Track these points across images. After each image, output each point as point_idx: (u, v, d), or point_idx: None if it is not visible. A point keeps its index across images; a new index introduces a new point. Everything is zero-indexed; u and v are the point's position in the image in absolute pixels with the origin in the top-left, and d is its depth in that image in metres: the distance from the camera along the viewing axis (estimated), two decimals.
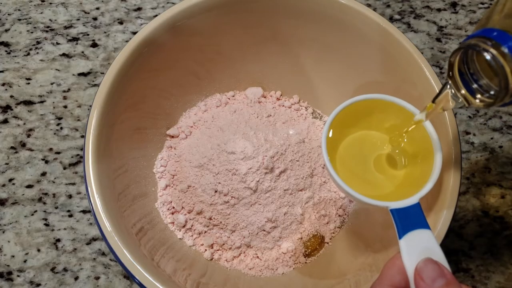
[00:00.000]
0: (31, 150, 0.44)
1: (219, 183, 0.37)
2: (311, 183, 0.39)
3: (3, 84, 0.47)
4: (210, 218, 0.38)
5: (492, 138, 0.46)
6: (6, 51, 0.48)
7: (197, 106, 0.43)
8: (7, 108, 0.45)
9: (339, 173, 0.30)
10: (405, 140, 0.32)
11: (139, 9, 0.51)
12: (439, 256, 0.25)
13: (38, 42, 0.49)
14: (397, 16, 0.51)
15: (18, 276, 0.39)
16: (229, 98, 0.44)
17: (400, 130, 0.32)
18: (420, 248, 0.26)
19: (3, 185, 0.42)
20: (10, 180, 0.43)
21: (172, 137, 0.42)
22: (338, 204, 0.40)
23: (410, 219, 0.27)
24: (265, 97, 0.44)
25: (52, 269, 0.40)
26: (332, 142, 0.32)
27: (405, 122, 0.31)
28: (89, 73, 0.47)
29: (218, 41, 0.40)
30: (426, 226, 0.27)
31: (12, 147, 0.44)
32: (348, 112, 0.32)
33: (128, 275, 0.32)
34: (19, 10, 0.51)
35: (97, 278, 0.39)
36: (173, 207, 0.39)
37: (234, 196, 0.37)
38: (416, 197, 0.28)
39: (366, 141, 0.33)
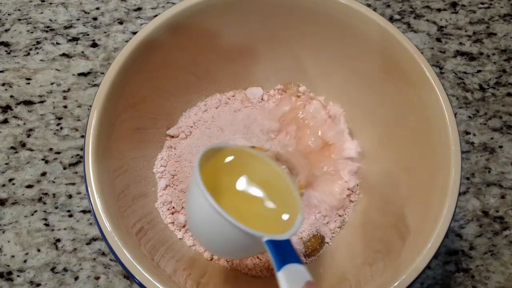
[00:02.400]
0: (31, 150, 0.44)
1: None
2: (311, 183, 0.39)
3: (3, 84, 0.47)
4: None
5: (492, 138, 0.46)
6: (6, 51, 0.48)
7: (197, 106, 0.43)
8: (7, 108, 0.45)
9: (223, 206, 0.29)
10: (271, 185, 0.32)
11: (139, 9, 0.51)
12: None
13: (38, 42, 0.49)
14: (397, 16, 0.51)
15: (18, 276, 0.39)
16: (229, 98, 0.44)
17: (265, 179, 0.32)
18: (299, 279, 0.25)
19: (3, 185, 0.42)
20: (10, 180, 0.43)
21: (172, 137, 0.42)
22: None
23: (285, 252, 0.27)
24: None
25: (52, 269, 0.40)
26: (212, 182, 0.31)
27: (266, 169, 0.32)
28: (89, 73, 0.47)
29: (218, 41, 0.40)
30: (298, 261, 0.26)
31: (12, 147, 0.44)
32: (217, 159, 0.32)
33: (128, 275, 0.32)
34: (19, 10, 0.51)
35: (97, 278, 0.39)
36: (173, 207, 0.39)
37: None
38: (286, 235, 0.28)
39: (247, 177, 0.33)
